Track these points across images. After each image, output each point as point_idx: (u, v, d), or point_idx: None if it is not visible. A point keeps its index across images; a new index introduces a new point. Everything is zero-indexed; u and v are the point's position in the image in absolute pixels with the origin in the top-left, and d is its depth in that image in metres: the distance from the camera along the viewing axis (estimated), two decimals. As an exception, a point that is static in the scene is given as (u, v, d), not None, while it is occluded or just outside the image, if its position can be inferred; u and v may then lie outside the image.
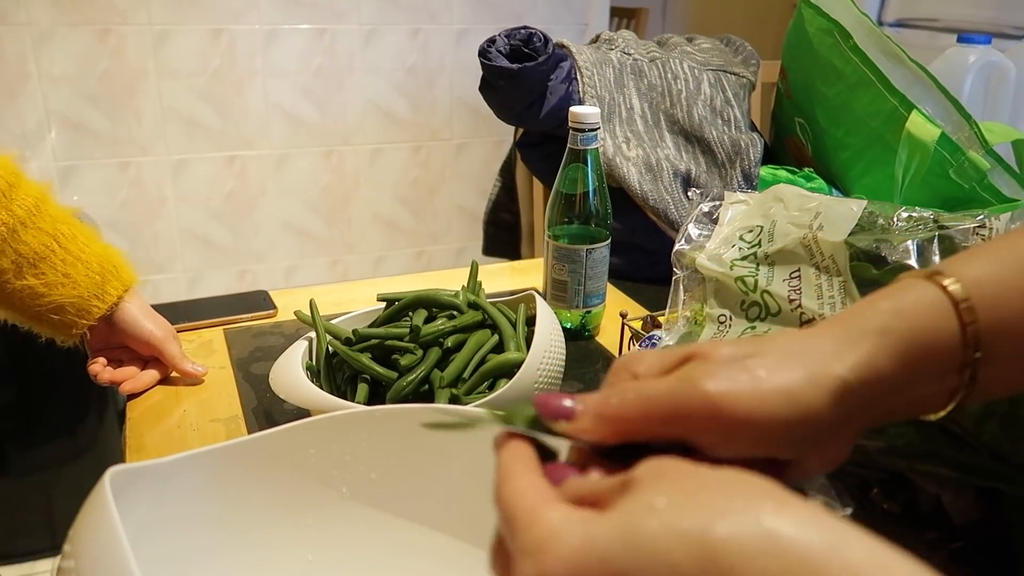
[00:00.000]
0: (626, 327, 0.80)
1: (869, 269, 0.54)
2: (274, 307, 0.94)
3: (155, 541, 0.43)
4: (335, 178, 2.31)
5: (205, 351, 0.84)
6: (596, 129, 0.81)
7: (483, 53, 1.02)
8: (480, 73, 1.05)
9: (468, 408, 0.52)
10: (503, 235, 1.54)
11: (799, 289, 0.58)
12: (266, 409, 0.73)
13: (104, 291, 0.72)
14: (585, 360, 0.84)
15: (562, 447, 0.36)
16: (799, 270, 0.59)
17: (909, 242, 0.53)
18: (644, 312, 0.92)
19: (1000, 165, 0.86)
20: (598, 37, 1.21)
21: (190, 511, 0.47)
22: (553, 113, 1.05)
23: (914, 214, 0.56)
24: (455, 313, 0.72)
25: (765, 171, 1.08)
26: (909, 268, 0.52)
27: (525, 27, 1.04)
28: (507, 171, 1.52)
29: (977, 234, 0.52)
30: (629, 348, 0.80)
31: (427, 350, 0.67)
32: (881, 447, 0.47)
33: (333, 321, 0.74)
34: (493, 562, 0.32)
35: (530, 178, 1.44)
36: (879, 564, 0.24)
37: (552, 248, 0.85)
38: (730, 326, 0.63)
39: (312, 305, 0.74)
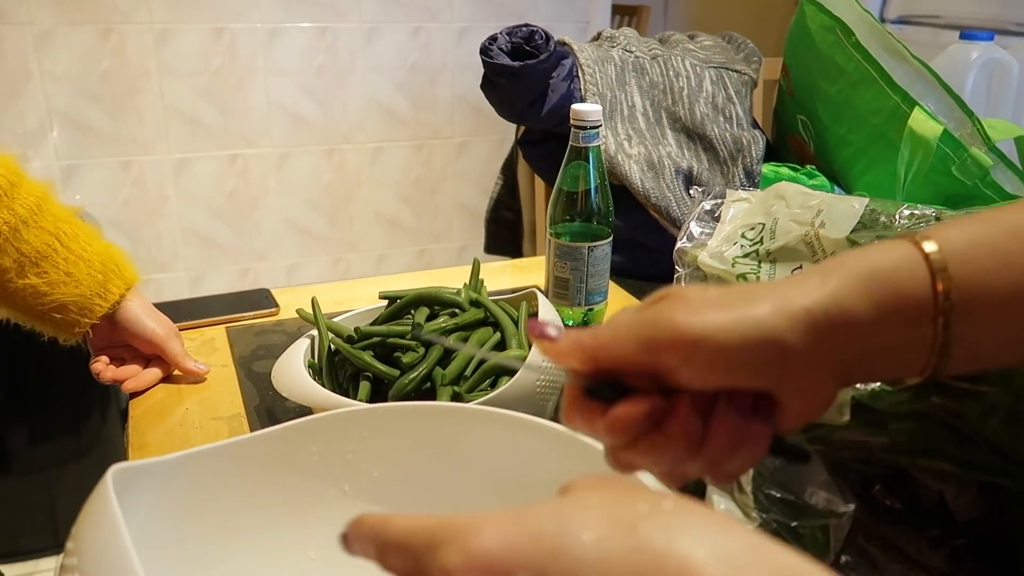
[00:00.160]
0: (628, 325, 0.80)
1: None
2: (276, 305, 0.94)
3: (157, 539, 0.43)
4: (337, 176, 2.31)
5: (207, 349, 0.85)
6: (598, 127, 0.81)
7: (484, 51, 1.02)
8: (482, 71, 1.05)
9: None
10: (505, 233, 1.54)
11: (801, 286, 0.58)
12: (268, 407, 0.73)
13: (106, 290, 0.72)
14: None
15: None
16: (801, 267, 0.59)
17: (911, 239, 0.53)
18: (646, 310, 0.92)
19: (1003, 162, 0.86)
20: (600, 35, 1.21)
21: (192, 509, 0.47)
22: (555, 111, 1.05)
23: (916, 211, 0.56)
24: (457, 311, 0.72)
25: (767, 168, 1.07)
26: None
27: (526, 25, 1.04)
28: (509, 169, 1.52)
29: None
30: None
31: (429, 348, 0.67)
32: (884, 443, 0.47)
33: (335, 319, 0.74)
34: None
35: (532, 176, 1.44)
36: None
37: (554, 246, 0.85)
38: (732, 323, 0.63)
39: (314, 303, 0.74)
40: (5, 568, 1.58)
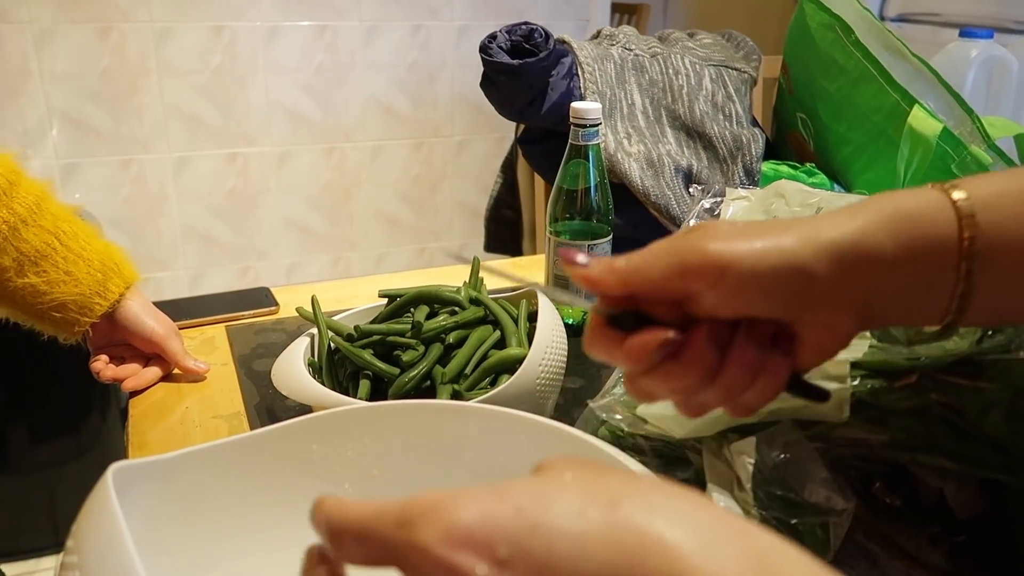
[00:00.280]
0: (628, 323, 0.80)
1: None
2: (276, 304, 0.94)
3: (158, 537, 0.43)
4: (336, 175, 2.31)
5: (207, 348, 0.85)
6: (597, 125, 0.81)
7: (484, 49, 1.02)
8: (481, 69, 1.05)
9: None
10: (505, 231, 1.54)
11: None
12: (268, 406, 0.73)
13: (106, 288, 0.72)
14: (587, 356, 0.84)
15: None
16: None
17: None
18: (646, 308, 0.92)
19: (1002, 160, 0.86)
20: (599, 33, 1.21)
21: (192, 507, 0.47)
22: (554, 109, 1.05)
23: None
24: (457, 309, 0.72)
25: (767, 166, 1.07)
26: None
27: (526, 23, 1.04)
28: (508, 167, 1.52)
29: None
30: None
31: (429, 346, 0.67)
32: (883, 440, 0.47)
33: (335, 318, 0.74)
34: None
35: (531, 174, 1.44)
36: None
37: (554, 244, 0.85)
38: (732, 321, 0.63)
39: (314, 302, 0.74)
40: (5, 567, 1.59)
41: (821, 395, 0.41)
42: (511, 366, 0.65)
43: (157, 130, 2.07)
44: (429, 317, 0.70)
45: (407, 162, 2.38)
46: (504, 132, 2.36)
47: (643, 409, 0.53)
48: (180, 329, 0.80)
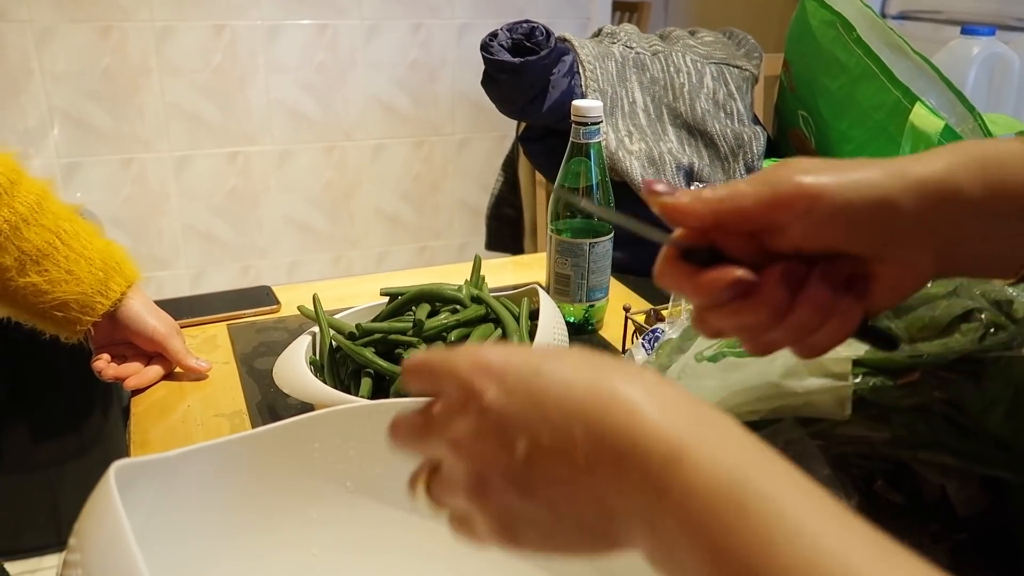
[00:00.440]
0: (629, 321, 0.80)
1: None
2: (277, 302, 0.94)
3: (160, 534, 0.43)
4: (337, 174, 2.31)
5: (209, 347, 0.85)
6: (598, 123, 0.81)
7: (485, 47, 1.02)
8: (482, 68, 1.05)
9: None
10: (506, 230, 1.54)
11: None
12: (270, 404, 0.74)
13: (107, 287, 0.72)
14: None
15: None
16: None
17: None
18: (647, 306, 0.92)
19: (1004, 157, 0.86)
20: (600, 31, 1.21)
21: (194, 505, 0.47)
22: (555, 107, 1.05)
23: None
24: (458, 307, 0.72)
25: (768, 164, 1.07)
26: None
27: (527, 21, 1.04)
28: (509, 166, 1.52)
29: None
30: (632, 342, 0.80)
31: (430, 344, 0.67)
32: (885, 438, 0.47)
33: (336, 316, 0.74)
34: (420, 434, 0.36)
35: (532, 172, 1.44)
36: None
37: (555, 242, 0.85)
38: (733, 319, 0.63)
39: (315, 300, 0.74)
40: (8, 566, 1.59)
41: (890, 342, 0.41)
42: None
43: (158, 129, 2.07)
44: (431, 315, 0.70)
45: (408, 161, 2.38)
46: (505, 130, 2.36)
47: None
48: (181, 328, 0.80)
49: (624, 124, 1.08)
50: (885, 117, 0.93)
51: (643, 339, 0.69)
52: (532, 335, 0.68)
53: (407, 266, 2.47)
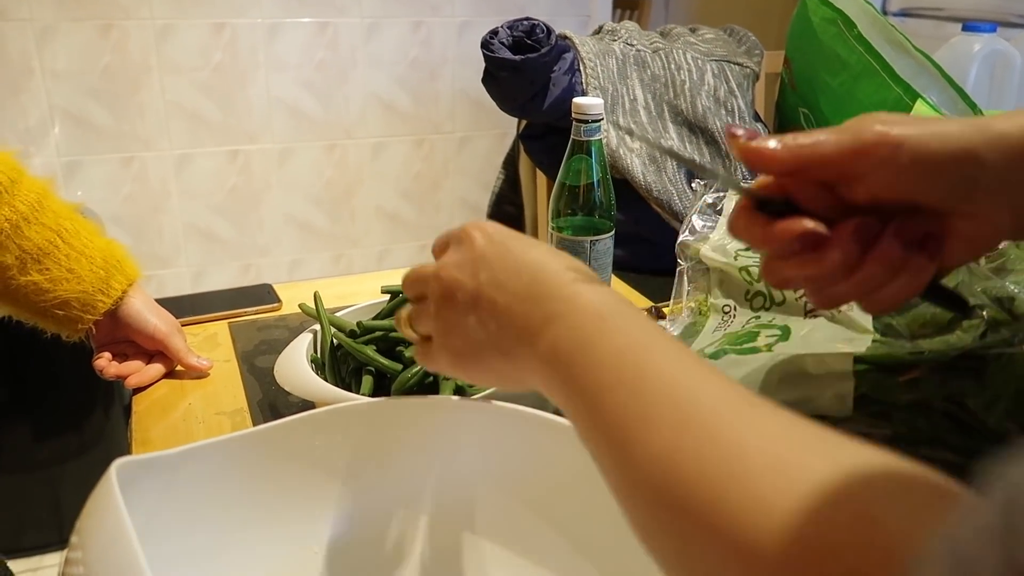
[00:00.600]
0: (630, 318, 0.80)
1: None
2: (278, 300, 0.94)
3: (161, 532, 0.43)
4: (338, 172, 2.31)
5: (210, 345, 0.85)
6: (599, 120, 0.81)
7: (486, 45, 1.02)
8: (483, 65, 1.05)
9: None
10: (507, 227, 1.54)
11: (804, 279, 0.58)
12: (271, 402, 0.74)
13: (108, 286, 0.72)
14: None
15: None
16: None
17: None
18: (649, 303, 0.92)
19: (1005, 154, 0.86)
20: (601, 28, 1.21)
21: (196, 503, 0.47)
22: (556, 104, 1.05)
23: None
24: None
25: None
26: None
27: (527, 18, 1.04)
28: (510, 163, 1.52)
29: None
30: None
31: (431, 342, 0.67)
32: (886, 435, 0.47)
33: (337, 314, 0.74)
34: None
35: (533, 170, 1.44)
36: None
37: (556, 240, 0.85)
38: (734, 316, 0.63)
39: (316, 298, 0.74)
40: (10, 564, 1.59)
41: (961, 305, 0.41)
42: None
43: (158, 127, 2.07)
44: (431, 313, 0.70)
45: (408, 159, 2.37)
46: (506, 128, 2.36)
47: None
48: (182, 326, 0.80)
49: (625, 121, 1.08)
50: (886, 114, 0.93)
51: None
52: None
53: (408, 264, 2.45)
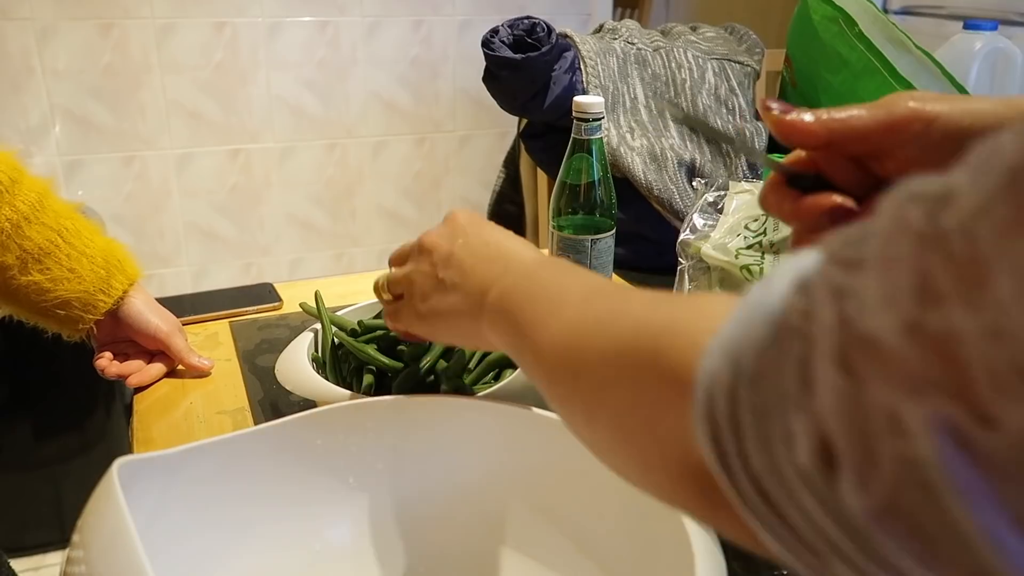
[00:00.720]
0: (631, 317, 0.80)
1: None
2: (279, 299, 0.94)
3: (163, 530, 0.44)
4: (339, 171, 2.31)
5: (211, 344, 0.85)
6: (600, 119, 0.81)
7: (486, 43, 1.02)
8: (483, 64, 1.05)
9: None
10: (508, 226, 1.54)
11: (805, 277, 0.58)
12: (272, 401, 0.74)
13: (109, 285, 0.72)
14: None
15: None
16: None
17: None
18: (649, 302, 0.92)
19: (1007, 152, 0.86)
20: (601, 27, 1.20)
21: (197, 501, 0.47)
22: (557, 103, 1.05)
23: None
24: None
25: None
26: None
27: (528, 17, 1.04)
28: (511, 162, 1.52)
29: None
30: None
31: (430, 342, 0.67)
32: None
33: (338, 313, 0.74)
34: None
35: (534, 169, 1.44)
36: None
37: (557, 239, 0.85)
38: (735, 315, 0.63)
39: (317, 297, 0.74)
40: (12, 563, 1.59)
41: None
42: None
43: (159, 126, 2.07)
44: (432, 312, 0.70)
45: (409, 158, 2.37)
46: (506, 127, 2.36)
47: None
48: (184, 325, 0.80)
49: (626, 120, 1.08)
50: (887, 112, 0.93)
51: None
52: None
53: (409, 263, 2.46)
